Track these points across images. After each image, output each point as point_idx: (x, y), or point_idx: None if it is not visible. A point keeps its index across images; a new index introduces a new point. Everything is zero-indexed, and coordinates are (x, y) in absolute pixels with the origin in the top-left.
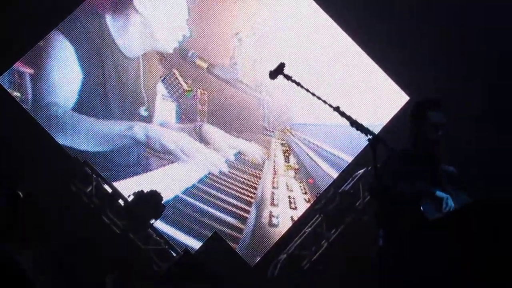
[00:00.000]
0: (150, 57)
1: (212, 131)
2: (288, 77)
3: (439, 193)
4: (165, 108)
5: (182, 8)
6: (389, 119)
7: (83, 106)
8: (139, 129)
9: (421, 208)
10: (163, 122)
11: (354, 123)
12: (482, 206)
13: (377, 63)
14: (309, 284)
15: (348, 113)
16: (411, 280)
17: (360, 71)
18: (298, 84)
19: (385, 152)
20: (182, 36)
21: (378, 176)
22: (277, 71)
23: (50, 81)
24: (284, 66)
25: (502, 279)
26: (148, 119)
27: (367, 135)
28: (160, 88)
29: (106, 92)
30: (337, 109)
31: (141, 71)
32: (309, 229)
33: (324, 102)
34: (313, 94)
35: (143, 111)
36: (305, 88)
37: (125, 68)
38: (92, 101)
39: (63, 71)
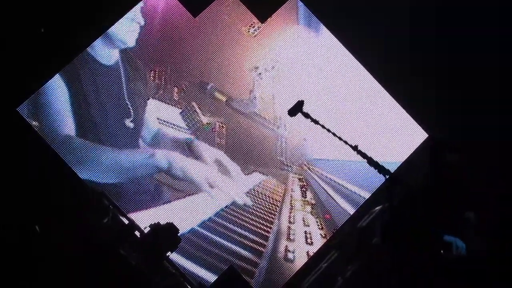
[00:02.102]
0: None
1: (230, 164)
2: (306, 115)
3: (446, 237)
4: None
5: None
6: (407, 156)
7: (83, 130)
8: (161, 157)
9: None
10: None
11: (372, 163)
12: None
13: (396, 99)
14: None
15: (366, 152)
16: None
17: (380, 108)
18: (316, 122)
19: (403, 191)
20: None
21: (394, 217)
22: (296, 109)
23: (51, 108)
24: (302, 104)
25: None
26: (136, 132)
27: (385, 176)
28: (175, 118)
29: (89, 106)
30: (355, 148)
31: (123, 79)
32: (325, 264)
33: (344, 141)
34: (333, 134)
35: (128, 123)
36: (324, 127)
37: (103, 77)
38: (84, 122)
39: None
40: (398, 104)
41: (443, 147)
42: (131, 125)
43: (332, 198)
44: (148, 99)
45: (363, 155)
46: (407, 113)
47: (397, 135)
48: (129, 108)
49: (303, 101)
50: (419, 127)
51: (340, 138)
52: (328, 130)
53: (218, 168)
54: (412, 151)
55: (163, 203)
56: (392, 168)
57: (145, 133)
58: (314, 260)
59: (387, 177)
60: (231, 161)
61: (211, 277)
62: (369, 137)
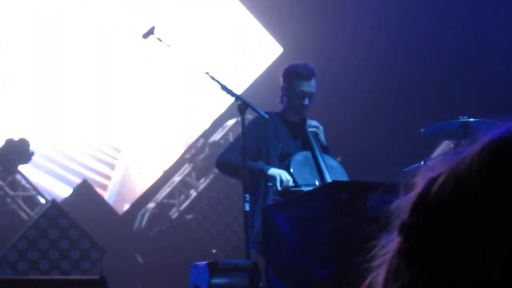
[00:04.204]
0: None
1: None
2: (159, 39)
3: (270, 172)
4: None
5: None
6: (262, 71)
7: None
8: None
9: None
10: None
11: (224, 88)
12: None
13: (251, 12)
14: (177, 233)
15: (217, 77)
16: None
17: (234, 20)
18: (168, 46)
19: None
20: None
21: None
22: (149, 33)
23: None
24: (154, 29)
25: None
26: None
27: (236, 100)
28: None
29: None
30: (206, 73)
31: None
32: (179, 178)
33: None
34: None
35: None
36: (176, 51)
37: None
38: None
39: None
40: (253, 16)
41: (292, 74)
42: None
43: None
44: None
45: (215, 80)
46: (262, 26)
47: (252, 50)
48: None
49: (154, 26)
50: (274, 40)
51: (189, 63)
52: (180, 55)
53: None
54: (268, 65)
55: None
56: (249, 81)
57: None
58: (167, 174)
59: (240, 102)
60: None
61: (65, 191)
62: (224, 53)
